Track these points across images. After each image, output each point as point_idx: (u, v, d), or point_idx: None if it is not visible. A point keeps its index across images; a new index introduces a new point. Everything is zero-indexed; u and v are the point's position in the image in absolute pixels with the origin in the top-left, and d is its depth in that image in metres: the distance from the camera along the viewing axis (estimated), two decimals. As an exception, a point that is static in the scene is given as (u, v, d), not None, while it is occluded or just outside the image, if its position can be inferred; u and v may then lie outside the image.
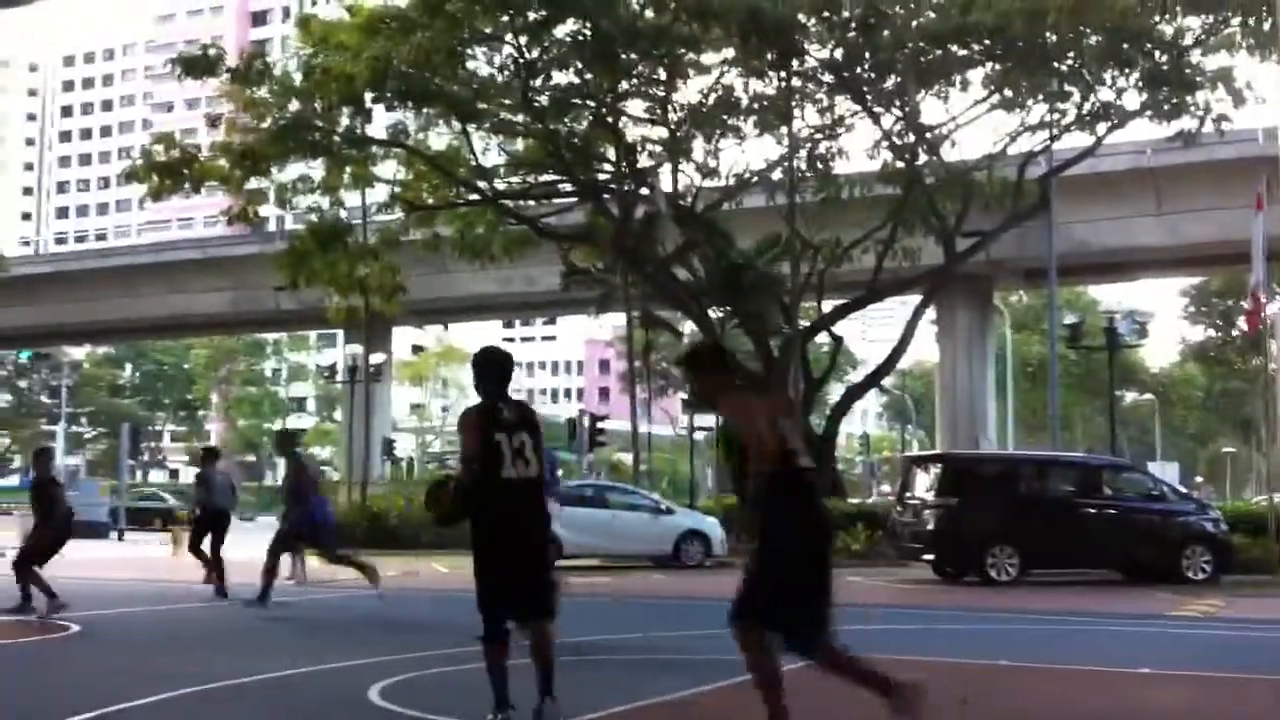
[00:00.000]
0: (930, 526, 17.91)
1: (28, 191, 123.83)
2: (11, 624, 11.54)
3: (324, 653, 9.38)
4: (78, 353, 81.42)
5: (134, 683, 7.64)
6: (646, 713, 7.13)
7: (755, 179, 27.42)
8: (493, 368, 6.38)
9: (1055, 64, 24.27)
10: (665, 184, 27.31)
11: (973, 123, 26.07)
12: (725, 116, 26.46)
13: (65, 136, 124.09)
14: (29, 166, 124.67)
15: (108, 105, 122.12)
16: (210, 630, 12.07)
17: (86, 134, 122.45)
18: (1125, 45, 23.39)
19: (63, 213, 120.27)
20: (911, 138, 26.15)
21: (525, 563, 6.22)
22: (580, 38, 24.66)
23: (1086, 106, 25.11)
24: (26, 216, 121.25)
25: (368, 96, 24.97)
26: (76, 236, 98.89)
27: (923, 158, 26.18)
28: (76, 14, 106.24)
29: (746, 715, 7.21)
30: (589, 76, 25.57)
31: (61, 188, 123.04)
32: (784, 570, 5.51)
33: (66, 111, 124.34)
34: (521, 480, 6.10)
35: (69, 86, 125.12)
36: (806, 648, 5.56)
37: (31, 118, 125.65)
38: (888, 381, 49.59)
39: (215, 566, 14.31)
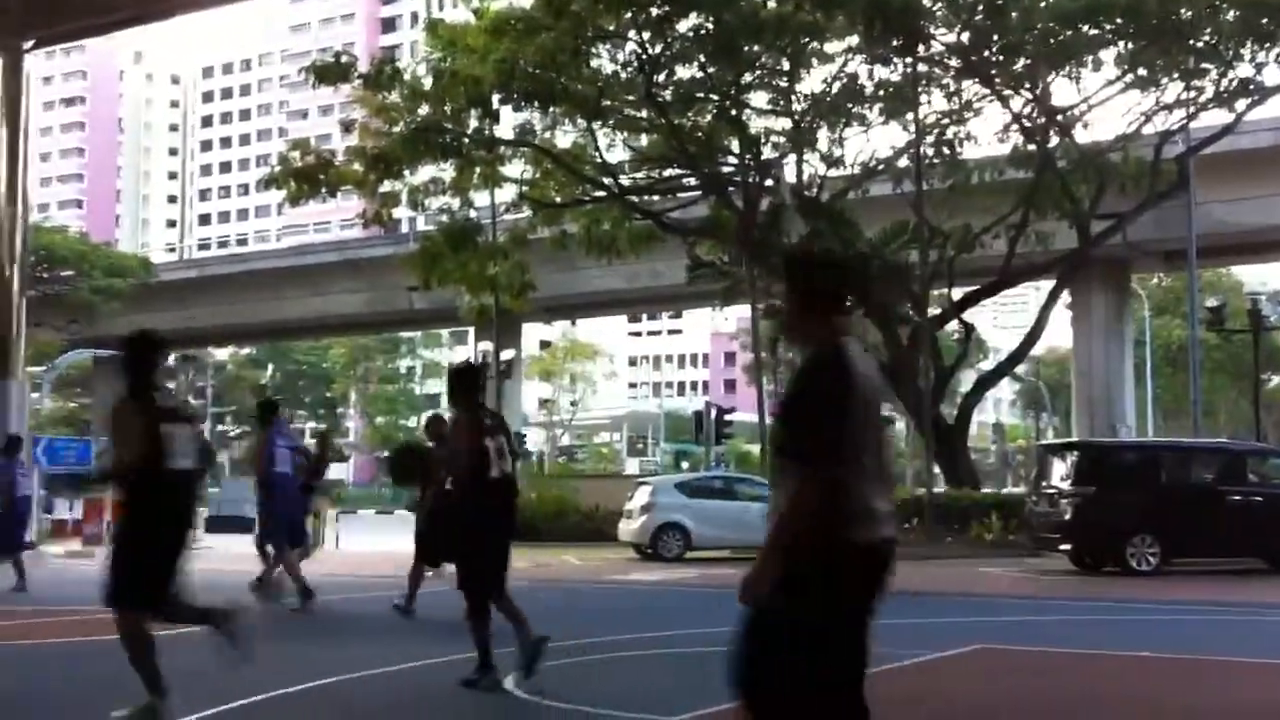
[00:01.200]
0: (1068, 516, 17.58)
1: (173, 200, 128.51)
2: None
3: (459, 642, 9.60)
4: (222, 354, 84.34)
5: (279, 672, 7.92)
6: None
7: (881, 167, 27.17)
8: (470, 380, 7.59)
9: (1191, 41, 23.57)
10: (790, 175, 27.24)
11: (1106, 103, 25.49)
12: (850, 105, 26.28)
13: (206, 146, 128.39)
14: (173, 175, 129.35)
15: (246, 114, 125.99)
16: (348, 621, 12.46)
17: (226, 143, 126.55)
18: (1265, 20, 22.61)
19: (205, 219, 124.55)
20: (1042, 120, 25.65)
21: (507, 547, 7.63)
22: (702, 31, 24.72)
23: (1224, 83, 24.34)
24: (172, 224, 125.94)
25: (495, 98, 25.36)
26: (219, 242, 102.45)
27: (1054, 140, 25.66)
28: (215, 27, 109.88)
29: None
30: (712, 70, 25.61)
31: (204, 195, 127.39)
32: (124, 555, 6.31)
33: (207, 121, 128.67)
34: (505, 477, 7.40)
35: (209, 97, 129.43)
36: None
37: (174, 128, 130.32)
38: (1021, 369, 48.66)
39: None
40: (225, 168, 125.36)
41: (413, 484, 8.29)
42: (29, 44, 24.29)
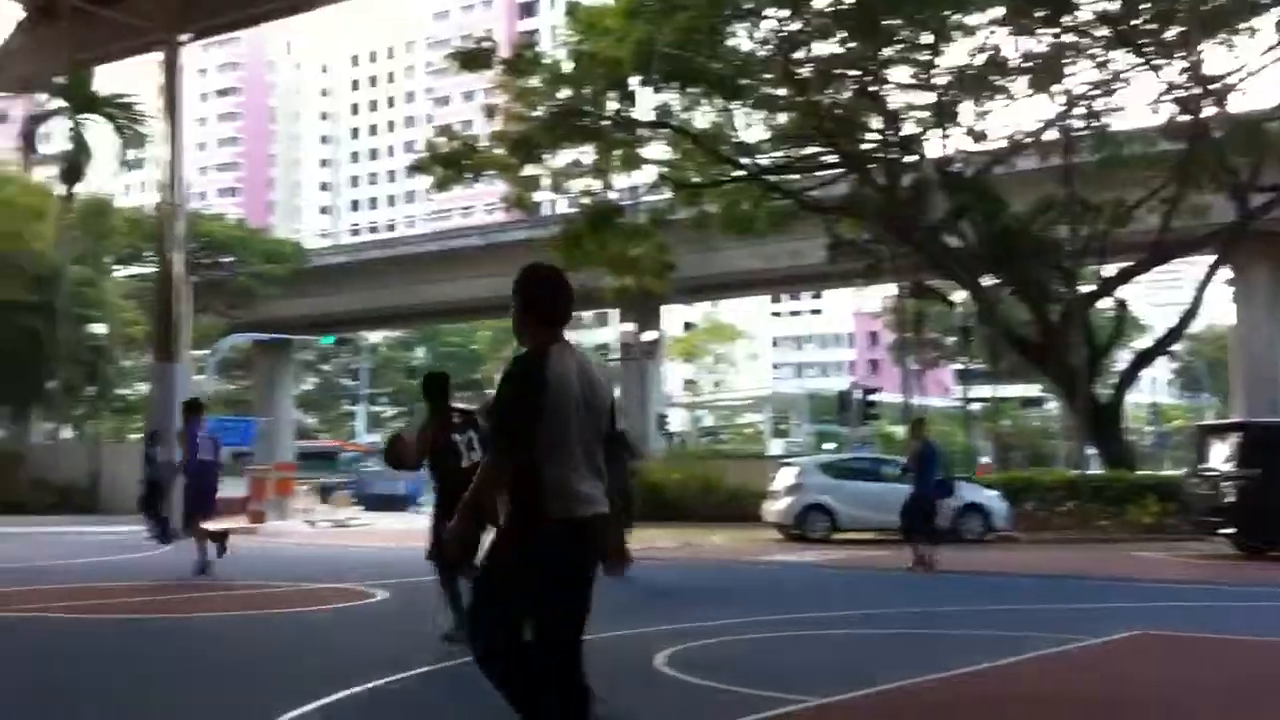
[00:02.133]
0: (1231, 499, 17.00)
1: (325, 187, 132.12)
2: (324, 590, 12.51)
3: (607, 621, 9.72)
4: (374, 337, 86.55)
5: (431, 648, 8.17)
6: (921, 688, 7.12)
7: (1027, 140, 26.48)
8: (438, 386, 8.91)
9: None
10: (932, 150, 26.74)
11: (1262, 70, 24.38)
12: (993, 78, 25.65)
13: (356, 133, 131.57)
14: (325, 163, 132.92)
15: (392, 102, 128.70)
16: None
17: (375, 130, 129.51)
18: None
19: (356, 205, 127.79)
20: (1196, 89, 24.67)
21: None
22: (841, 7, 24.40)
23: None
24: (324, 210, 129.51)
25: (633, 79, 25.45)
26: (369, 228, 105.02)
27: (1209, 110, 24.67)
28: (361, 16, 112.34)
29: (1026, 694, 7.14)
30: (851, 45, 25.26)
31: (354, 182, 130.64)
32: None
33: (355, 109, 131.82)
34: (472, 467, 8.08)
35: (356, 85, 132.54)
36: None
37: (325, 117, 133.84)
38: (1178, 348, 46.99)
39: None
40: (374, 154, 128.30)
41: (402, 468, 9.81)
42: (185, 37, 25.15)
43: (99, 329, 34.52)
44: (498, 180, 30.33)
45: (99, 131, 35.65)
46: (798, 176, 28.89)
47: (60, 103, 35.43)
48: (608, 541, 4.46)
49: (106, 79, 36.73)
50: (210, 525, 14.06)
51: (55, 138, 37.86)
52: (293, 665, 7.78)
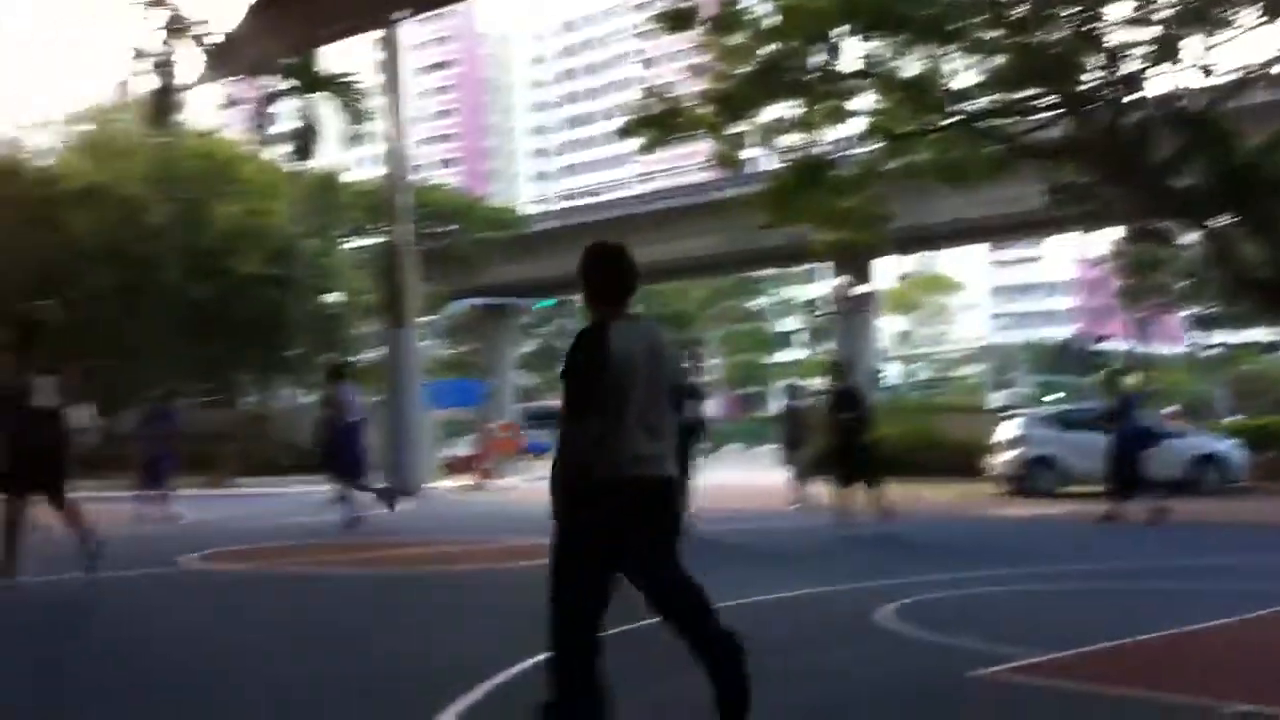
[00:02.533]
0: None
1: (539, 154, 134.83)
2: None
3: (828, 575, 9.84)
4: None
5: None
6: (1152, 644, 7.00)
7: (1260, 73, 24.92)
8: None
9: None
10: (1155, 88, 25.46)
11: None
12: (1220, 10, 24.22)
13: (568, 99, 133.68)
14: (537, 130, 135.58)
15: (601, 66, 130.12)
16: (718, 552, 12.96)
17: (586, 95, 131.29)
18: None
19: (570, 170, 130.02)
20: None
21: None
22: (1057, -58, 23.43)
23: None
24: (540, 176, 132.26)
25: (839, 30, 25.10)
26: (581, 192, 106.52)
27: None
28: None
29: (1258, 650, 6.93)
30: (1068, -18, 24.24)
31: (567, 147, 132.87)
32: None
33: (567, 75, 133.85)
34: None
35: (569, 51, 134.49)
36: None
37: (538, 85, 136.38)
38: None
39: None
40: (584, 120, 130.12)
41: None
42: (403, 15, 26.08)
43: (333, 299, 36.31)
44: (705, 139, 30.42)
45: (326, 110, 37.30)
46: (1013, 121, 27.95)
47: (289, 83, 37.17)
48: (670, 499, 4.86)
49: (331, 59, 38.36)
50: (356, 483, 15.41)
51: (285, 118, 39.85)
52: (526, 617, 8.16)
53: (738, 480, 26.71)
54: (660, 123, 27.78)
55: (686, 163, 64.16)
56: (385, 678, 6.00)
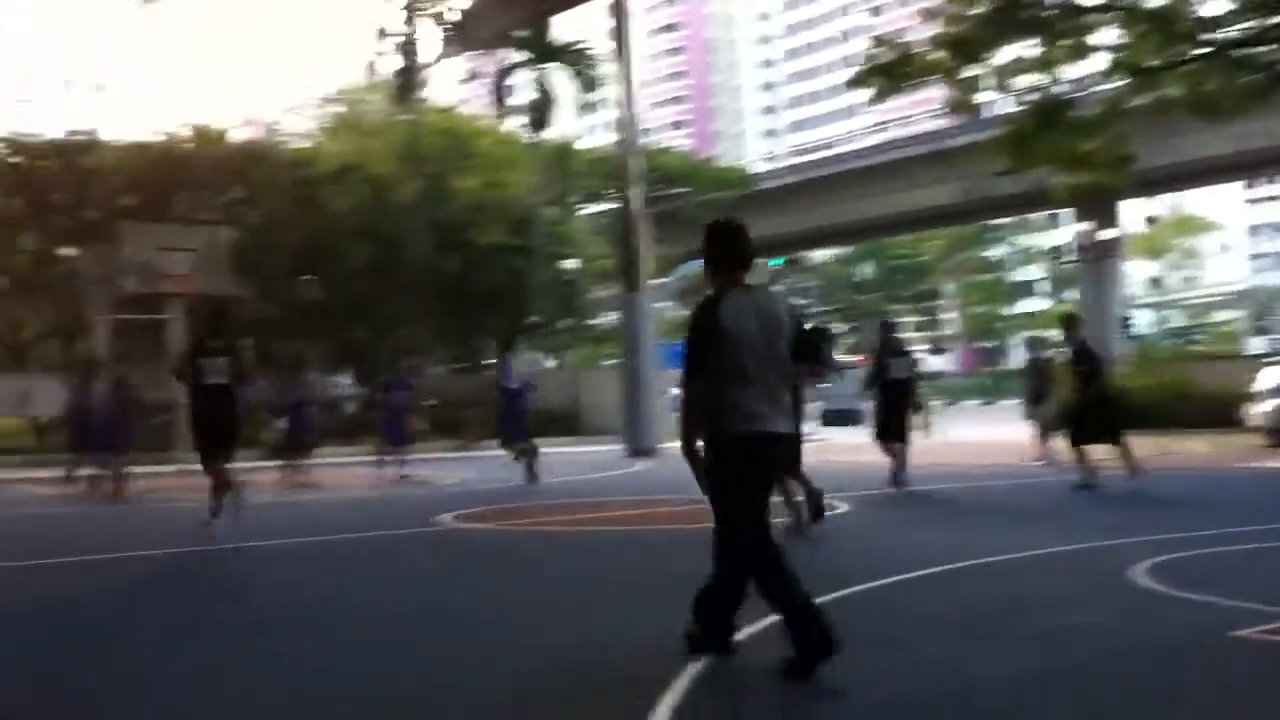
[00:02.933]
0: None
1: (767, 111, 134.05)
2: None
3: (1076, 533, 9.58)
4: (821, 255, 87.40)
5: (894, 559, 8.38)
6: None
7: None
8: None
9: None
10: None
11: None
12: None
13: (794, 53, 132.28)
14: (766, 87, 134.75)
15: (828, 17, 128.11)
16: (960, 510, 12.78)
17: (813, 48, 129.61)
18: None
19: (798, 126, 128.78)
20: None
21: None
22: None
23: None
24: (768, 134, 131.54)
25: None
26: (811, 146, 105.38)
27: None
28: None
29: None
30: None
31: (795, 102, 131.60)
32: None
33: (793, 29, 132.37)
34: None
35: (792, 4, 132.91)
36: None
37: (764, 40, 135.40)
38: None
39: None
40: (813, 73, 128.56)
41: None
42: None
43: (570, 265, 37.22)
44: (938, 85, 29.65)
45: (559, 78, 38.15)
46: (1269, 49, 26.15)
47: (524, 55, 38.16)
48: (783, 451, 5.41)
49: (563, 28, 39.16)
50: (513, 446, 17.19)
51: (521, 89, 40.92)
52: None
53: (978, 436, 26.17)
54: (891, 71, 27.20)
55: (918, 111, 62.70)
56: (622, 637, 6.21)
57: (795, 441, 6.45)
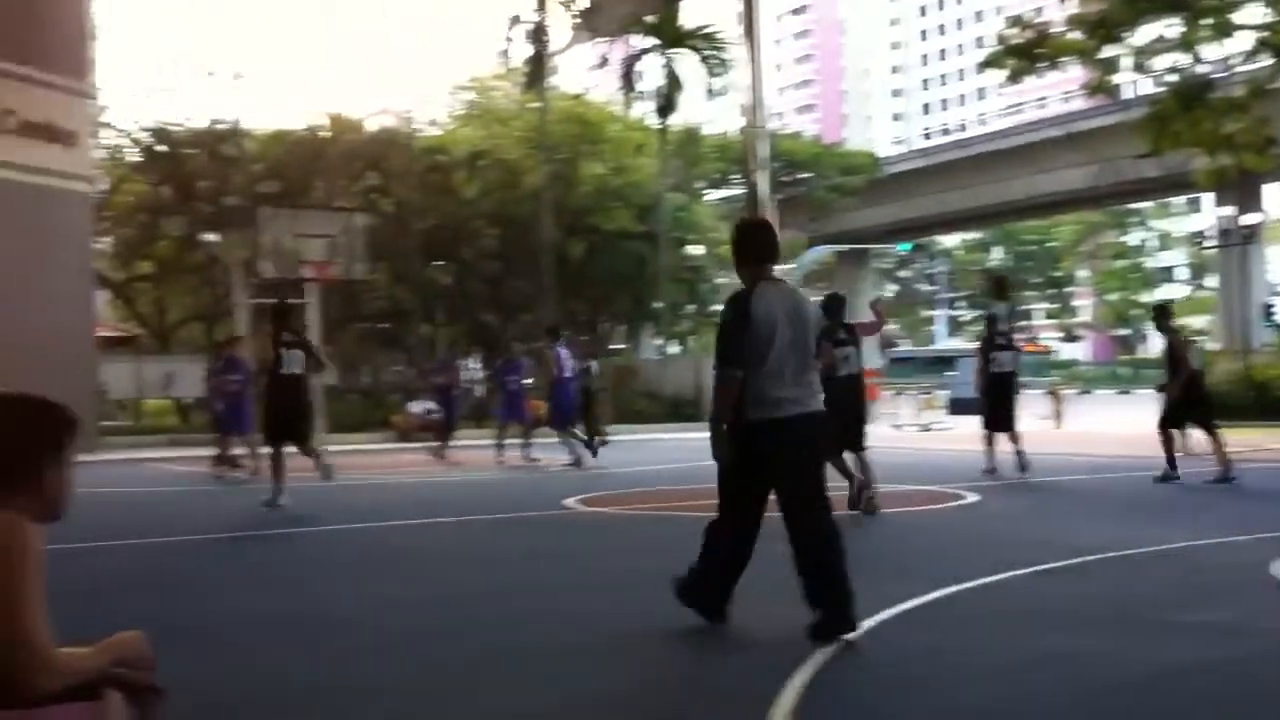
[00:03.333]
0: None
1: (896, 94, 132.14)
2: (914, 493, 13.00)
3: (1217, 528, 9.32)
4: (950, 240, 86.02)
5: (1020, 550, 8.27)
6: None
7: None
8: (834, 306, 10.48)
9: None
10: None
11: None
12: None
13: (924, 35, 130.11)
14: (895, 70, 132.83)
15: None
16: (1088, 501, 12.54)
17: (943, 30, 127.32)
18: None
19: (927, 109, 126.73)
20: None
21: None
22: None
23: None
24: (896, 118, 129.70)
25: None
26: (941, 130, 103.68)
27: None
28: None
29: None
30: None
31: (925, 85, 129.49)
32: None
33: (923, 11, 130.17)
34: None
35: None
36: None
37: (894, 23, 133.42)
38: None
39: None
40: (943, 55, 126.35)
41: None
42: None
43: (695, 251, 37.29)
44: (1074, 67, 28.99)
45: (687, 64, 38.18)
46: None
47: (652, 41, 38.28)
48: (814, 432, 5.62)
49: (691, 13, 39.16)
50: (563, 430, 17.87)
51: (649, 74, 41.06)
52: (889, 563, 8.26)
53: (1109, 425, 25.58)
54: (1026, 52, 26.69)
55: (1052, 93, 61.26)
56: (751, 621, 6.27)
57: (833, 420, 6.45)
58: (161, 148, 35.33)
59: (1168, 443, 13.16)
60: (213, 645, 5.73)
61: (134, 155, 36.51)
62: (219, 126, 35.28)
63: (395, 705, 4.61)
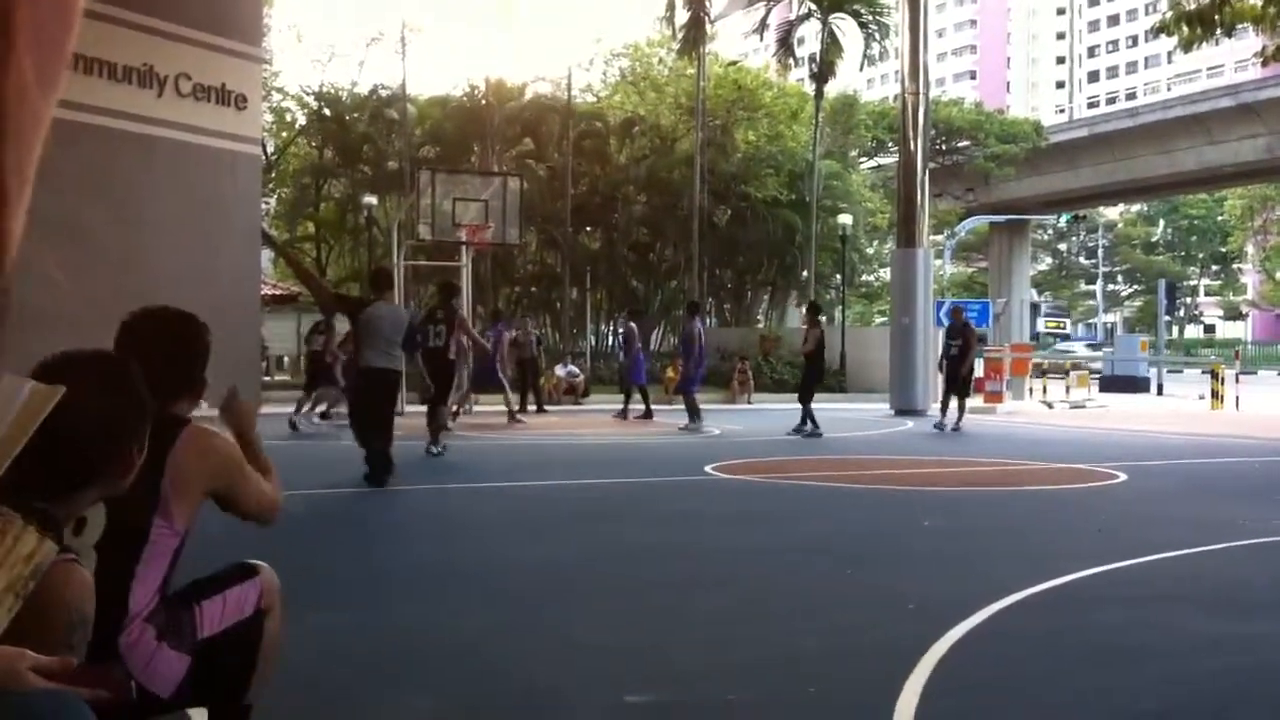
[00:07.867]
0: None
1: (1060, 61, 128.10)
2: (1063, 470, 12.76)
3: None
4: (1112, 213, 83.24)
5: (1175, 532, 8.10)
6: None
7: None
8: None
9: None
10: None
11: None
12: None
13: (1093, 1, 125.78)
14: (1060, 36, 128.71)
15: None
16: (1245, 484, 12.15)
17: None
18: None
19: (1094, 77, 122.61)
20: None
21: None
22: None
23: None
24: (1060, 85, 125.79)
25: None
26: (1107, 98, 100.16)
27: None
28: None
29: None
30: None
31: (1092, 52, 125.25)
32: None
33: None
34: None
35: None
36: None
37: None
38: None
39: None
40: (1113, 21, 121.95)
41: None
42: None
43: (845, 219, 36.92)
44: (1252, 34, 27.74)
45: (847, 29, 37.65)
46: None
47: (810, 6, 37.84)
48: None
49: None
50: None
51: (807, 40, 40.63)
52: (1038, 540, 8.17)
53: (1275, 408, 24.68)
54: (1201, 18, 25.67)
55: (1227, 60, 58.62)
56: (889, 592, 6.29)
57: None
58: (326, 112, 36.39)
59: None
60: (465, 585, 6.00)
61: (300, 119, 37.69)
62: (382, 92, 36.17)
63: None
